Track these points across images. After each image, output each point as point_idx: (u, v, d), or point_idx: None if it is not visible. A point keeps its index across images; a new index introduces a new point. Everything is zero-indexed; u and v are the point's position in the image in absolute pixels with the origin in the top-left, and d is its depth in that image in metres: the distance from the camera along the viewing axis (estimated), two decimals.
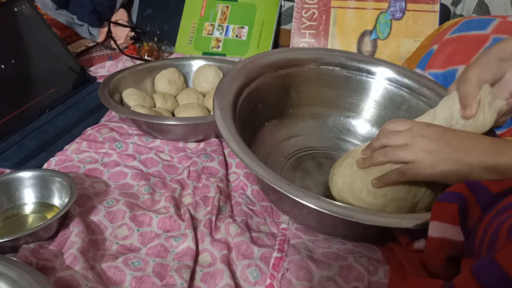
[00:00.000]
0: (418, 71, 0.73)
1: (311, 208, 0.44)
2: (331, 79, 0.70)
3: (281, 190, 0.45)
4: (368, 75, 0.69)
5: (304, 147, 0.67)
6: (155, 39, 1.02)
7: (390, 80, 0.68)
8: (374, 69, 0.69)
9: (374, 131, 0.69)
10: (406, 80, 0.67)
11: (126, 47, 1.04)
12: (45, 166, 0.64)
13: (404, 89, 0.67)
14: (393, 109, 0.68)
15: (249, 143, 0.60)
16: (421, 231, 0.44)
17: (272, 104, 0.68)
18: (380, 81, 0.69)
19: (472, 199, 0.39)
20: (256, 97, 0.65)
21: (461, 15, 0.97)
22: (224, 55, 1.01)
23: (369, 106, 0.70)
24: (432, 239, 0.41)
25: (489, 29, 0.68)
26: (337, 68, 0.69)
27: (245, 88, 0.63)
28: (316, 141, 0.69)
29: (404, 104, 0.67)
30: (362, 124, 0.70)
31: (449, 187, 0.41)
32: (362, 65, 0.69)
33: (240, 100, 0.61)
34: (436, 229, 0.40)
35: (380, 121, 0.69)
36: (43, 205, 0.56)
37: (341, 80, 0.70)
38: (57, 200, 0.56)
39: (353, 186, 0.52)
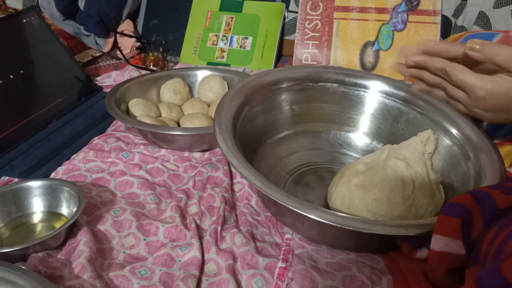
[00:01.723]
0: None
1: (311, 219, 0.45)
2: (329, 96, 0.72)
3: (279, 201, 0.46)
4: (366, 90, 0.71)
5: (306, 162, 0.68)
6: (160, 49, 1.03)
7: (386, 93, 0.70)
8: (370, 83, 0.71)
9: (374, 144, 0.70)
10: (402, 93, 0.69)
11: (132, 57, 1.06)
12: (52, 175, 0.65)
13: (401, 101, 0.69)
14: (391, 122, 0.69)
15: (251, 160, 0.62)
16: (423, 237, 0.44)
17: (273, 122, 0.69)
18: (377, 95, 0.71)
19: (477, 212, 0.40)
20: (257, 115, 0.67)
21: (462, 27, 0.98)
22: (229, 65, 1.03)
23: (368, 120, 0.71)
24: (434, 252, 0.41)
25: None
26: (335, 85, 0.71)
27: (245, 107, 0.64)
28: (318, 156, 0.70)
29: (402, 116, 0.68)
30: (362, 138, 0.71)
31: (454, 198, 0.42)
32: (359, 81, 0.71)
33: (241, 118, 0.63)
34: (438, 243, 0.41)
35: (379, 134, 0.70)
36: (51, 214, 0.57)
37: (339, 96, 0.72)
38: (65, 209, 0.57)
39: (352, 206, 0.53)
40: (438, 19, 0.93)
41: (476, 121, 0.63)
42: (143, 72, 0.95)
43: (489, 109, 0.50)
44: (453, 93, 0.54)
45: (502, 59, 0.47)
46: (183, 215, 0.58)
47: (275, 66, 1.03)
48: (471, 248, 0.40)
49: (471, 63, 0.52)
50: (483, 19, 0.94)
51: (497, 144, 0.59)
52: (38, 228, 0.55)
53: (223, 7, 1.07)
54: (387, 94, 0.70)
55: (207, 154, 0.71)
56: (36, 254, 0.49)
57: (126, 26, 1.09)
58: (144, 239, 0.53)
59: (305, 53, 0.99)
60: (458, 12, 0.98)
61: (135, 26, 1.13)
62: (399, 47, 0.56)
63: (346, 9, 0.97)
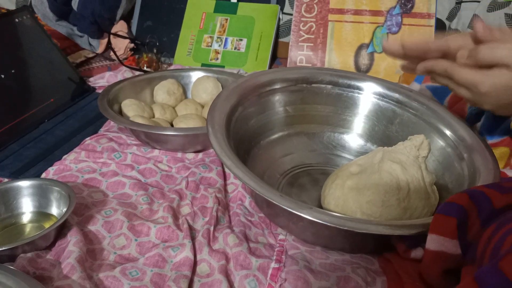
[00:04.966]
0: (416, 84, 0.74)
1: (306, 220, 0.44)
2: (323, 97, 0.71)
3: (273, 201, 0.45)
4: (360, 92, 0.71)
5: (300, 164, 0.68)
6: (155, 51, 1.03)
7: (380, 95, 0.70)
8: (364, 85, 0.71)
9: (368, 146, 0.70)
10: (396, 95, 0.68)
11: (126, 58, 1.05)
12: (43, 175, 0.64)
13: (395, 103, 0.69)
14: (385, 123, 0.69)
15: (244, 161, 0.61)
16: (418, 237, 0.44)
17: (266, 123, 0.69)
18: (371, 97, 0.70)
19: (473, 211, 0.39)
20: (250, 116, 0.66)
21: (456, 30, 0.98)
22: (223, 66, 1.02)
23: (362, 122, 0.71)
24: (429, 252, 0.41)
25: None
26: (329, 86, 0.71)
27: (239, 107, 0.64)
28: (312, 158, 0.69)
29: (396, 118, 0.68)
30: (356, 139, 0.71)
31: (450, 197, 0.41)
32: (352, 82, 0.71)
33: (234, 118, 0.62)
34: (434, 242, 0.41)
35: (373, 136, 0.70)
36: (41, 214, 0.56)
37: (333, 98, 0.71)
38: (55, 209, 0.56)
39: (347, 208, 0.53)
40: (432, 22, 0.94)
41: (471, 122, 0.64)
42: (137, 73, 0.94)
43: (494, 103, 0.49)
44: (459, 92, 0.54)
45: (498, 58, 0.47)
46: (175, 215, 0.57)
47: (270, 68, 1.03)
48: (467, 248, 0.39)
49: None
50: None
51: (491, 145, 0.59)
52: (28, 228, 0.54)
53: (218, 9, 1.07)
54: (381, 96, 0.70)
55: (200, 155, 0.71)
56: (24, 255, 0.48)
57: (120, 27, 1.08)
58: (136, 240, 0.53)
59: (299, 55, 0.99)
60: (452, 15, 0.99)
61: (129, 27, 1.12)
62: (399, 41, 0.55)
63: (340, 11, 0.98)
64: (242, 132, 0.64)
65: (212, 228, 0.54)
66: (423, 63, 0.57)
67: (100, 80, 0.94)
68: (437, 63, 0.54)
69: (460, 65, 0.51)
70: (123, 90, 0.80)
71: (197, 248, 0.51)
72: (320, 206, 0.58)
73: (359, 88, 0.71)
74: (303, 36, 0.99)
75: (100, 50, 1.08)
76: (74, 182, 0.62)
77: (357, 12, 0.97)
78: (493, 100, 0.49)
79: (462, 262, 0.40)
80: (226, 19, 1.06)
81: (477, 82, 0.49)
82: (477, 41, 0.50)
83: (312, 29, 0.98)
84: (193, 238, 0.53)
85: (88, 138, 0.73)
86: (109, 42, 1.03)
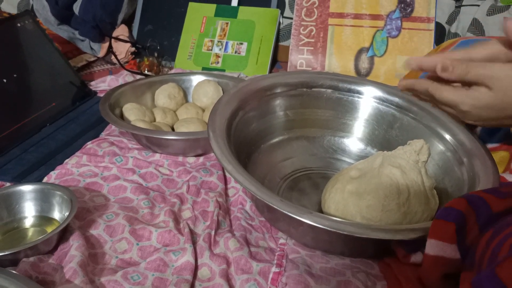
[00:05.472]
0: None
1: (306, 224, 0.45)
2: (323, 101, 0.72)
3: (274, 206, 0.46)
4: (360, 96, 0.71)
5: (300, 168, 0.68)
6: (155, 54, 1.03)
7: (380, 99, 0.70)
8: (364, 89, 0.71)
9: (368, 150, 0.70)
10: (396, 99, 0.69)
11: (127, 62, 1.06)
12: (45, 179, 0.64)
13: (395, 107, 0.69)
14: (385, 127, 0.69)
15: (245, 165, 0.61)
16: (418, 242, 0.44)
17: (267, 127, 0.69)
18: (371, 101, 0.71)
19: (471, 216, 0.40)
20: (251, 120, 0.67)
21: (455, 34, 0.99)
22: (224, 70, 1.03)
23: (362, 126, 0.72)
24: (428, 257, 0.41)
25: None
26: (329, 90, 0.71)
27: (239, 112, 0.64)
28: (312, 162, 0.70)
29: (396, 122, 0.69)
30: (356, 143, 0.71)
31: (449, 202, 0.42)
32: (353, 86, 0.71)
33: (235, 123, 0.63)
34: (433, 247, 0.41)
35: (373, 140, 0.70)
36: (43, 218, 0.56)
37: (333, 102, 0.72)
38: (57, 213, 0.56)
39: (347, 212, 0.53)
40: (432, 26, 0.94)
41: (470, 126, 0.64)
42: (138, 77, 0.95)
43: (478, 119, 0.52)
44: (443, 109, 0.56)
45: (472, 77, 0.48)
46: (176, 219, 0.57)
47: (270, 72, 1.03)
48: (466, 253, 0.40)
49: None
50: (476, 26, 0.95)
51: (491, 149, 0.60)
52: (30, 232, 0.55)
53: (218, 13, 1.07)
54: (381, 100, 0.70)
55: (201, 159, 0.71)
56: (27, 259, 0.48)
57: (121, 31, 1.09)
58: (137, 244, 0.53)
59: (300, 59, 0.99)
60: (452, 19, 0.99)
61: (130, 31, 1.13)
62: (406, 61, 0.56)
63: (340, 15, 0.98)
64: (242, 136, 0.64)
65: (213, 232, 0.54)
66: (404, 81, 0.58)
67: (102, 84, 0.94)
68: (418, 82, 0.55)
69: (441, 83, 0.52)
70: (124, 94, 0.81)
71: (198, 252, 0.52)
72: (321, 210, 0.58)
73: (359, 92, 0.71)
74: (303, 40, 0.99)
75: (101, 54, 1.09)
76: (76, 186, 0.62)
77: (357, 16, 0.97)
78: (475, 117, 0.51)
79: (461, 267, 0.40)
80: (227, 23, 1.06)
81: (458, 103, 0.50)
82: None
83: (312, 33, 0.99)
84: (194, 242, 0.53)
85: (90, 142, 0.73)
86: (110, 46, 1.04)
